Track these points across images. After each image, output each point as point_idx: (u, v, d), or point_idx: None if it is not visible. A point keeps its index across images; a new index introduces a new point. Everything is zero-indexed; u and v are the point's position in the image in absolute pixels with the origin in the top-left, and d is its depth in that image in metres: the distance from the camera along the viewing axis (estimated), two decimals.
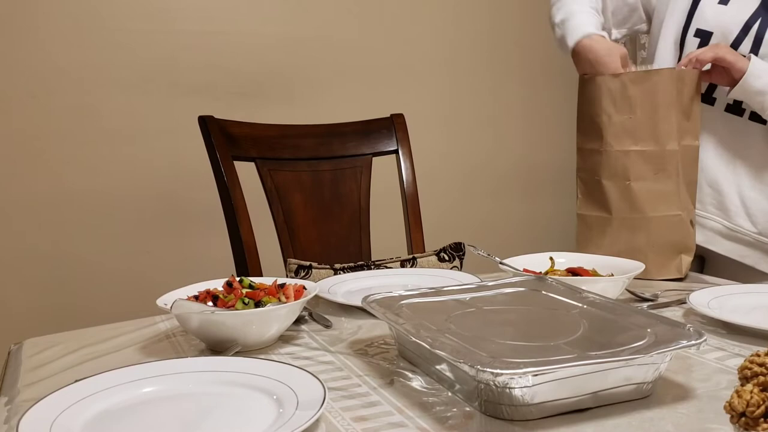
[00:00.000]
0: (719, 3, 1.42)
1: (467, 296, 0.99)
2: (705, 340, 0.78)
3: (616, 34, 1.63)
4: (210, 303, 1.01)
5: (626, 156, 1.38)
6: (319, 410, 0.70)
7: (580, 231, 1.46)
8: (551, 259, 1.27)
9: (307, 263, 1.33)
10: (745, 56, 1.35)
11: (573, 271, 1.20)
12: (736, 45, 1.39)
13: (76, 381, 0.80)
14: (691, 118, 1.37)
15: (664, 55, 1.49)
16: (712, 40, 1.41)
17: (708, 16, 1.42)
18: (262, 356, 0.93)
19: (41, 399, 0.74)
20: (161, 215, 2.29)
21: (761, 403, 0.55)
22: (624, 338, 0.78)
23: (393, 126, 1.80)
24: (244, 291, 1.04)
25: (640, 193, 1.38)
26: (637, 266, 1.19)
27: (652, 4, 1.55)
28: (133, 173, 2.25)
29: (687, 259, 1.37)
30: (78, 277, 2.19)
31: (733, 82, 1.35)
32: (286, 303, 1.00)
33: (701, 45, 1.43)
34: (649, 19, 1.58)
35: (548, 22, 1.57)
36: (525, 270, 1.17)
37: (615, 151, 1.39)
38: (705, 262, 1.55)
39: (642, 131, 1.37)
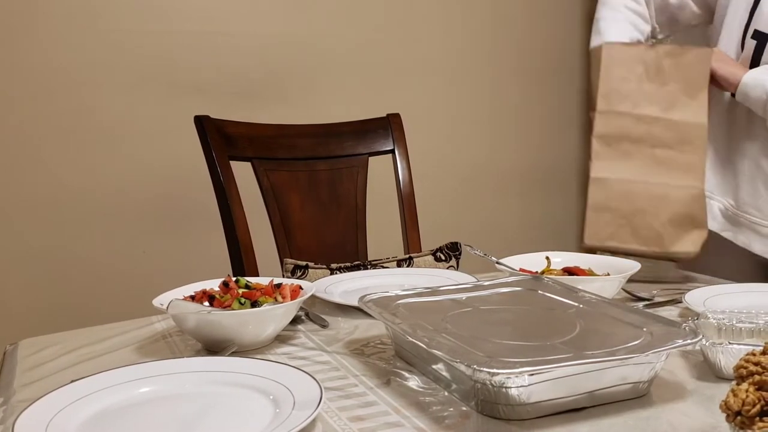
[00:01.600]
0: None
1: (464, 296, 0.99)
2: (701, 340, 0.78)
3: (661, 35, 1.58)
4: (206, 303, 1.01)
5: (654, 122, 1.37)
6: (315, 410, 0.70)
7: (595, 196, 1.39)
8: (547, 258, 1.27)
9: (304, 263, 1.33)
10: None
11: (569, 271, 1.20)
12: None
13: (72, 381, 0.79)
14: (701, 98, 1.35)
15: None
16: None
17: (766, 17, 1.36)
18: (259, 356, 0.93)
19: (37, 399, 0.74)
20: (157, 215, 2.28)
21: (757, 402, 0.56)
22: (620, 338, 0.78)
23: (389, 126, 1.80)
24: (241, 291, 1.04)
25: (663, 162, 1.36)
26: (633, 266, 1.20)
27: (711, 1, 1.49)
28: (129, 173, 2.24)
29: (701, 235, 1.34)
30: (74, 277, 2.19)
31: (732, 88, 1.34)
32: (282, 303, 1.00)
33: (758, 48, 1.37)
34: (705, 14, 1.52)
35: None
36: (521, 270, 1.17)
37: (643, 115, 1.37)
38: None
39: (672, 101, 1.36)
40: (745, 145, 1.43)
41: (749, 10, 1.38)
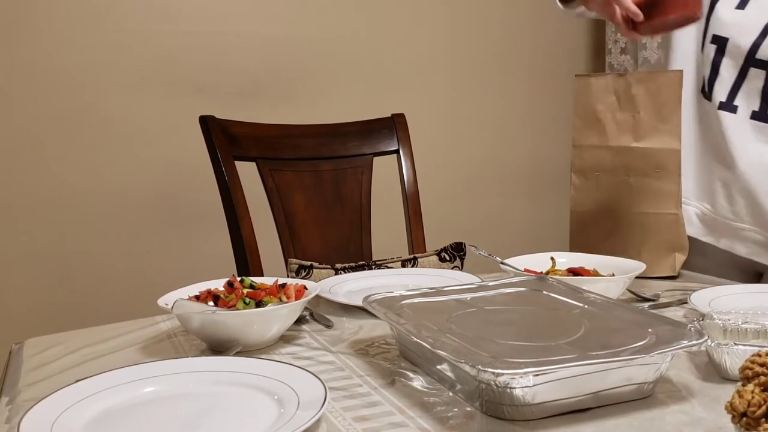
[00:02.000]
0: (736, 8, 1.36)
1: (468, 296, 0.99)
2: (706, 340, 0.78)
3: None
4: (211, 303, 1.01)
5: (628, 152, 1.40)
6: (320, 410, 0.70)
7: (574, 227, 1.46)
8: (552, 259, 1.27)
9: (308, 263, 1.33)
10: None
11: (574, 271, 1.20)
12: (754, 49, 1.35)
13: (77, 381, 0.80)
14: (674, 122, 1.38)
15: (683, 63, 1.45)
16: (728, 46, 1.37)
17: (724, 21, 1.37)
18: (263, 356, 0.93)
19: (42, 399, 0.74)
20: (162, 215, 2.29)
21: (762, 403, 0.55)
22: (625, 338, 0.78)
23: (394, 126, 1.80)
24: (245, 291, 1.04)
25: (639, 190, 1.39)
26: (638, 266, 1.19)
27: None
28: (133, 173, 2.25)
29: (681, 258, 1.38)
30: (79, 277, 2.19)
31: None
32: (287, 303, 1.00)
33: (718, 52, 1.39)
34: None
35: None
36: (526, 270, 1.17)
37: (617, 147, 1.41)
38: (762, 278, 1.47)
39: (645, 129, 1.39)
40: (719, 151, 1.43)
41: (705, 16, 1.39)
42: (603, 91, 1.42)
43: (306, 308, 1.10)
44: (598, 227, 1.43)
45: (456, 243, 1.41)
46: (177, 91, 2.27)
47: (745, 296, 1.11)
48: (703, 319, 0.88)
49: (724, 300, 1.07)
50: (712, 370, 0.84)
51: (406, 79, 2.61)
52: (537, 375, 0.70)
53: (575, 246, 1.43)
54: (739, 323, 0.87)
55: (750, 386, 0.57)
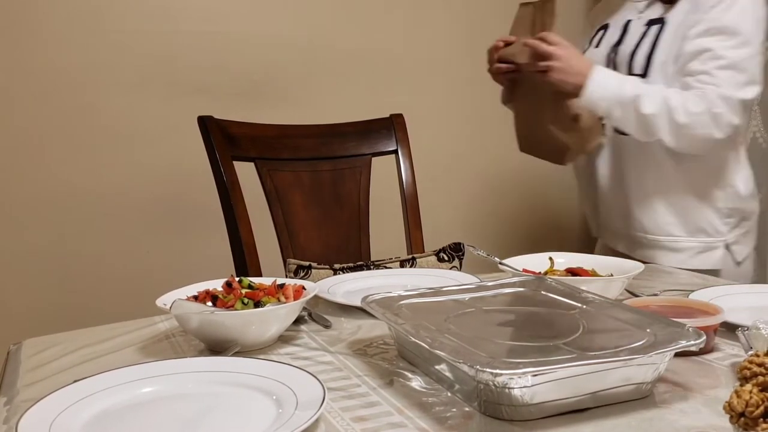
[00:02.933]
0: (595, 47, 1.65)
1: (466, 296, 0.99)
2: (704, 340, 0.78)
3: None
4: (209, 303, 1.01)
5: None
6: (318, 410, 0.70)
7: (518, 133, 1.65)
8: (550, 259, 1.27)
9: (307, 263, 1.33)
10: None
11: (572, 271, 1.20)
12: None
13: (76, 381, 0.80)
14: None
15: None
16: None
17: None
18: (262, 356, 0.93)
19: (40, 399, 0.74)
20: (160, 215, 2.28)
21: (760, 403, 0.55)
22: (623, 338, 0.78)
23: (393, 126, 1.80)
24: (244, 291, 1.04)
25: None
26: (637, 266, 1.19)
27: None
28: (132, 173, 2.24)
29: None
30: (78, 277, 2.19)
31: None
32: (285, 303, 1.00)
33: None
34: None
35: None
36: (524, 270, 1.17)
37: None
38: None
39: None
40: (638, 170, 1.54)
41: None
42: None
43: (304, 308, 1.10)
44: (537, 124, 1.55)
45: (454, 243, 1.41)
46: (177, 91, 2.27)
47: (745, 296, 1.12)
48: (747, 330, 0.87)
49: (723, 299, 1.08)
50: (711, 370, 0.84)
51: (405, 80, 2.60)
52: (535, 375, 0.70)
53: (524, 147, 1.59)
54: None
55: (748, 386, 0.57)
